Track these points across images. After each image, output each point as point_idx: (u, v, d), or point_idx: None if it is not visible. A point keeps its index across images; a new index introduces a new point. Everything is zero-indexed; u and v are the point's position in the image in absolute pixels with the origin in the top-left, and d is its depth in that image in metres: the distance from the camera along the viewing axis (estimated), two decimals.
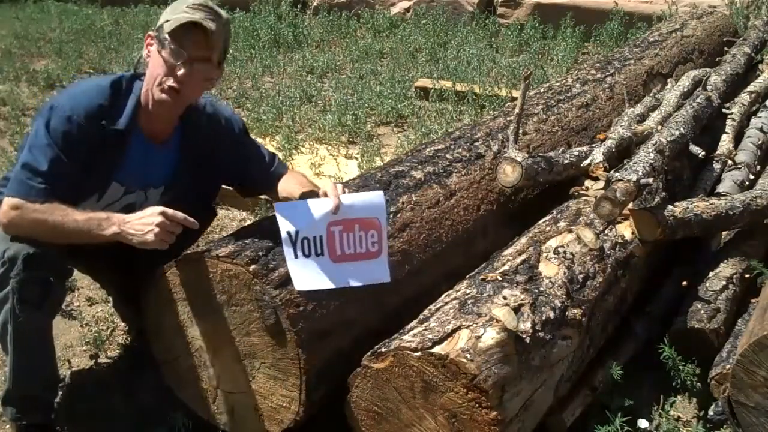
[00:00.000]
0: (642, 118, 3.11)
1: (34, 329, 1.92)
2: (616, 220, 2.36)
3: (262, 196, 2.63)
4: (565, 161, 2.64)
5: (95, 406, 2.26)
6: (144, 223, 1.81)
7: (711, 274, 2.50)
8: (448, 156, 2.59)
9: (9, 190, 1.89)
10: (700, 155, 2.85)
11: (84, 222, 1.84)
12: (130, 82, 1.98)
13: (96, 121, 1.88)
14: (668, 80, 3.78)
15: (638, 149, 2.66)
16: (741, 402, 1.92)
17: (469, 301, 1.87)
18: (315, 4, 7.50)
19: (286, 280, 1.86)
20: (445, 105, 4.77)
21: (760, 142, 3.29)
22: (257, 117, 4.51)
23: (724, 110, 3.40)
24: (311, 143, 4.22)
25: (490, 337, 1.72)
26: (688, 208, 2.48)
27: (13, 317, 1.86)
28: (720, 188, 2.91)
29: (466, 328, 1.74)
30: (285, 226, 1.89)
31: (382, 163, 2.95)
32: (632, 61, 3.83)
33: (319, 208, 1.93)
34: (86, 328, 2.64)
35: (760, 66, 4.23)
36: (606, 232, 2.34)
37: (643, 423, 2.07)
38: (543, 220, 2.44)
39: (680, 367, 2.23)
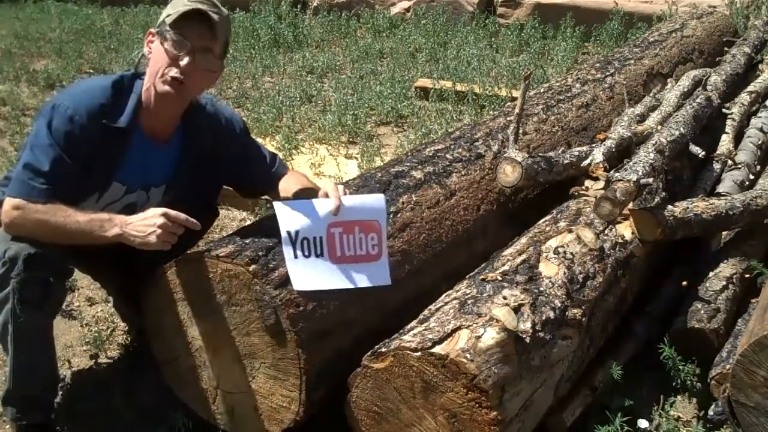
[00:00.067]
0: (642, 118, 3.11)
1: (34, 329, 1.91)
2: (616, 220, 2.36)
3: (263, 197, 2.63)
4: (565, 161, 2.64)
5: (95, 406, 2.26)
6: (146, 224, 1.82)
7: (711, 274, 2.50)
8: (448, 156, 2.59)
9: (10, 191, 1.89)
10: (700, 155, 2.85)
11: (86, 223, 1.84)
12: (130, 82, 1.98)
13: (98, 121, 1.88)
14: (668, 80, 3.78)
15: (638, 149, 2.66)
16: (741, 402, 1.92)
17: (469, 301, 1.87)
18: (315, 4, 7.50)
19: (286, 280, 1.86)
20: (445, 105, 4.77)
21: (760, 142, 3.29)
22: (257, 117, 4.51)
23: (724, 110, 3.39)
24: (311, 143, 4.22)
25: (490, 337, 1.72)
26: (688, 208, 2.48)
27: (13, 317, 1.86)
28: (720, 188, 2.91)
29: (466, 328, 1.74)
30: (285, 226, 1.89)
31: (382, 163, 2.95)
32: (632, 61, 3.83)
33: (319, 208, 1.93)
34: (86, 328, 2.64)
35: (760, 66, 4.23)
36: (606, 232, 2.34)
37: (643, 423, 2.07)
38: (543, 220, 2.44)
39: (680, 367, 2.23)
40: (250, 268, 1.84)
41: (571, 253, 2.16)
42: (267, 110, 4.61)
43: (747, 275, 2.52)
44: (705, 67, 4.00)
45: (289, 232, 1.88)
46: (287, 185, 2.14)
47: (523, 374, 1.77)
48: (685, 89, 3.40)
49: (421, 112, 4.74)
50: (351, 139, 4.32)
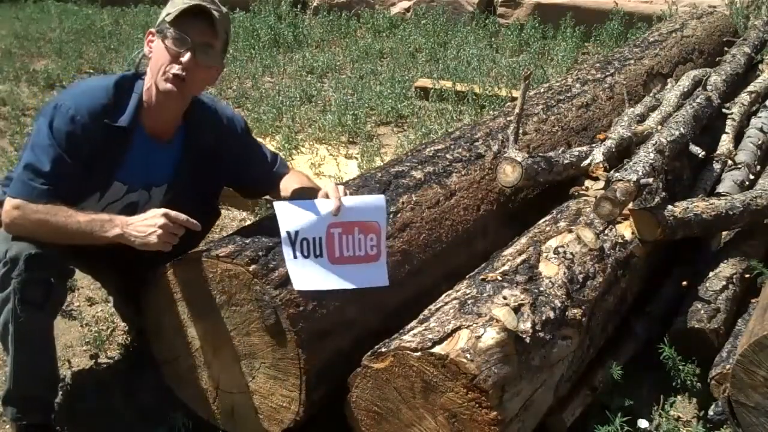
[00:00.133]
0: (642, 118, 3.11)
1: (35, 329, 1.91)
2: (616, 220, 2.36)
3: (264, 197, 2.63)
4: (565, 161, 2.64)
5: (95, 406, 2.26)
6: (147, 224, 1.82)
7: (711, 274, 2.50)
8: (448, 156, 2.59)
9: (11, 191, 1.89)
10: (700, 155, 2.85)
11: (86, 223, 1.84)
12: (131, 81, 1.98)
13: (99, 121, 1.88)
14: (668, 80, 3.78)
15: (638, 149, 2.66)
16: (741, 402, 1.92)
17: (469, 301, 1.87)
18: (315, 4, 7.50)
19: (286, 280, 1.86)
20: (445, 105, 4.77)
21: (760, 142, 3.29)
22: (257, 117, 4.50)
23: (724, 110, 3.40)
24: (311, 143, 4.22)
25: (490, 337, 1.72)
26: (688, 208, 2.48)
27: (14, 317, 1.86)
28: (720, 188, 2.91)
29: (466, 328, 1.74)
30: (285, 226, 1.89)
31: (382, 163, 2.95)
32: (632, 61, 3.83)
33: (319, 208, 1.93)
34: (86, 328, 2.64)
35: (760, 66, 4.23)
36: (606, 232, 2.34)
37: (643, 423, 2.07)
38: (543, 220, 2.44)
39: (680, 367, 2.23)
40: (250, 268, 1.84)
41: (571, 253, 2.16)
42: (267, 110, 4.61)
43: (747, 275, 2.52)
44: (705, 67, 4.00)
45: (288, 232, 1.88)
46: (288, 185, 2.14)
47: (523, 374, 1.77)
48: (685, 89, 3.40)
49: (421, 112, 4.73)
50: (351, 139, 4.32)
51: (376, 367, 1.77)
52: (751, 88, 3.69)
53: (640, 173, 2.36)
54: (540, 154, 2.61)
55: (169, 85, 1.90)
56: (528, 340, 1.80)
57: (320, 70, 5.70)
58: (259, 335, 1.87)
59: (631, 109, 3.20)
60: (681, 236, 2.48)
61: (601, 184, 2.58)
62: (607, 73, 3.62)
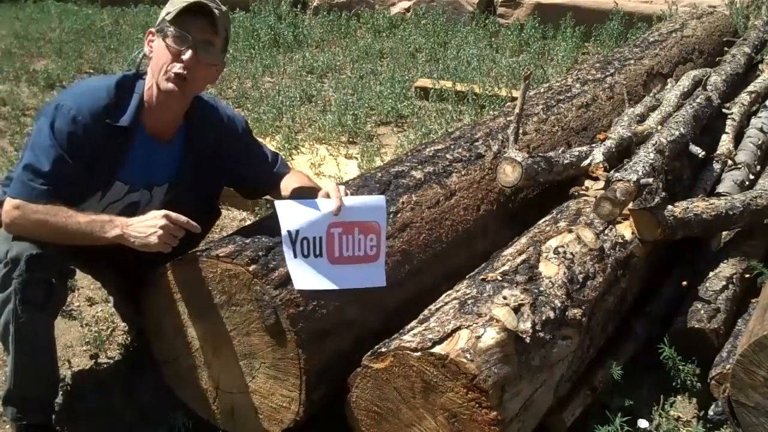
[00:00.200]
0: (642, 118, 3.11)
1: (36, 330, 1.91)
2: (616, 220, 2.36)
3: (264, 197, 2.63)
4: (565, 161, 2.64)
5: (95, 406, 2.26)
6: (147, 225, 1.82)
7: (711, 274, 2.50)
8: (448, 156, 2.59)
9: (11, 191, 1.89)
10: (700, 155, 2.85)
11: (86, 224, 1.85)
12: (132, 81, 1.98)
13: (101, 121, 1.88)
14: (668, 80, 3.78)
15: (638, 149, 2.67)
16: (741, 402, 1.92)
17: (469, 301, 1.87)
18: (315, 4, 7.50)
19: (286, 280, 1.86)
20: (445, 105, 4.77)
21: (760, 142, 3.29)
22: (257, 117, 4.50)
23: (724, 110, 3.40)
24: (311, 143, 4.22)
25: (490, 337, 1.72)
26: (688, 208, 2.48)
27: (15, 318, 1.85)
28: (720, 188, 2.91)
29: (466, 328, 1.74)
30: (285, 225, 1.89)
31: (382, 163, 2.95)
32: (632, 61, 3.83)
33: (320, 208, 1.93)
34: (86, 328, 2.64)
35: (760, 66, 4.23)
36: (606, 232, 2.34)
37: (643, 423, 2.07)
38: (543, 220, 2.44)
39: (680, 367, 2.23)
40: (250, 268, 1.84)
41: (571, 253, 2.16)
42: (267, 110, 4.61)
43: (747, 275, 2.52)
44: (705, 67, 4.00)
45: (289, 232, 1.88)
46: (289, 185, 2.14)
47: (523, 374, 1.77)
48: (685, 89, 3.40)
49: (421, 112, 4.73)
50: (351, 139, 4.32)
51: (376, 367, 1.77)
52: (751, 88, 3.70)
53: (640, 173, 2.36)
54: (540, 154, 2.61)
55: (170, 85, 1.90)
56: (528, 340, 1.80)
57: (320, 70, 5.70)
58: (259, 335, 1.87)
59: (631, 109, 3.20)
60: (681, 236, 2.48)
61: (601, 184, 2.58)
62: (607, 73, 3.62)
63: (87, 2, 8.06)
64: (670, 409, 2.19)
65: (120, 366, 2.45)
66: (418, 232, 2.24)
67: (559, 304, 1.96)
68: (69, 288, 2.69)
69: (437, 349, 1.70)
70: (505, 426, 1.70)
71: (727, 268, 2.51)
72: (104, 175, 1.97)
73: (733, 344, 2.21)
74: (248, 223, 3.21)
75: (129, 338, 2.55)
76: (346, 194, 1.98)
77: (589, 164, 2.64)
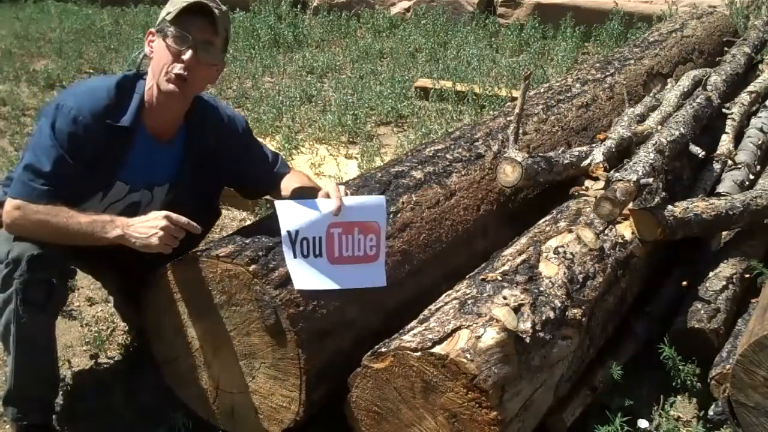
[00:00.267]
0: (642, 118, 3.11)
1: (37, 330, 1.91)
2: (616, 220, 2.36)
3: (264, 197, 2.63)
4: (565, 161, 2.64)
5: (95, 406, 2.26)
6: (148, 226, 1.82)
7: (711, 274, 2.50)
8: (448, 156, 2.59)
9: (12, 191, 1.89)
10: (700, 155, 2.85)
11: (87, 224, 1.85)
12: (133, 82, 1.98)
13: (101, 121, 1.89)
14: (668, 80, 3.78)
15: (638, 149, 2.67)
16: (741, 402, 1.92)
17: (469, 301, 1.87)
18: (315, 4, 7.50)
19: (286, 280, 1.86)
20: (445, 105, 4.77)
21: (760, 142, 3.29)
22: (257, 117, 4.50)
23: (724, 110, 3.40)
24: (311, 143, 4.22)
25: (490, 337, 1.72)
26: (688, 208, 2.48)
27: (16, 318, 1.86)
28: (720, 188, 2.91)
29: (466, 328, 1.74)
30: (285, 225, 1.89)
31: (382, 163, 2.95)
32: (632, 61, 3.83)
33: (320, 208, 1.93)
34: (86, 328, 2.64)
35: (760, 66, 4.23)
36: (606, 232, 2.34)
37: (643, 423, 2.07)
38: (543, 220, 2.44)
39: (680, 367, 2.23)
40: (250, 268, 1.84)
41: (571, 253, 2.16)
42: (267, 110, 4.61)
43: (747, 275, 2.52)
44: (705, 67, 4.00)
45: (289, 232, 1.88)
46: (289, 185, 2.14)
47: (523, 374, 1.77)
48: (685, 89, 3.40)
49: (421, 112, 4.73)
50: (351, 139, 4.32)
51: (376, 367, 1.78)
52: (751, 88, 3.70)
53: (640, 173, 2.36)
54: (540, 154, 2.61)
55: (171, 86, 1.90)
56: (528, 340, 1.80)
57: (320, 70, 5.69)
58: (259, 335, 1.87)
59: (631, 109, 3.20)
60: (681, 236, 2.48)
61: (601, 184, 2.58)
62: (607, 73, 3.62)
63: (87, 2, 8.06)
64: (670, 409, 2.19)
65: (120, 366, 2.45)
66: (418, 232, 2.24)
67: (559, 304, 1.96)
68: (69, 288, 2.70)
69: (437, 349, 1.70)
70: (505, 426, 1.70)
71: (727, 268, 2.51)
72: (105, 175, 1.97)
73: (733, 344, 2.21)
74: (248, 223, 3.21)
75: (129, 338, 2.55)
76: (346, 194, 1.98)
77: (589, 164, 2.64)
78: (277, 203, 1.93)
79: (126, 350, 2.50)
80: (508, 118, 2.90)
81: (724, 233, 2.80)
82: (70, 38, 6.67)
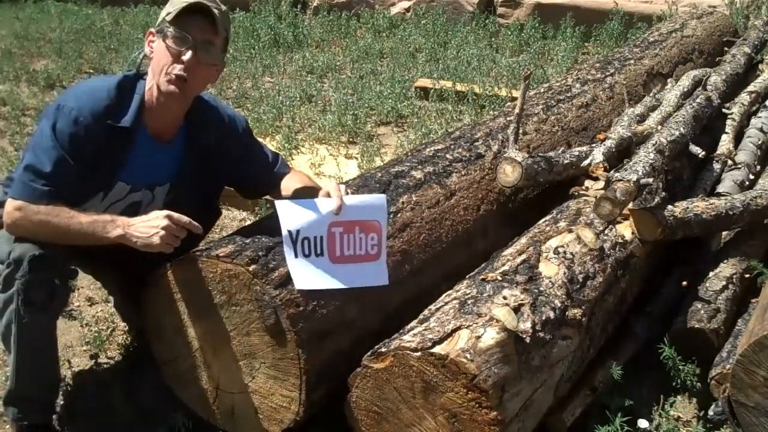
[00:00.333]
0: (642, 118, 3.12)
1: (38, 331, 1.92)
2: (616, 220, 2.36)
3: (265, 197, 2.63)
4: (565, 161, 2.64)
5: (95, 406, 2.26)
6: (150, 226, 1.82)
7: (711, 274, 2.50)
8: (448, 156, 2.59)
9: (12, 192, 1.89)
10: (700, 155, 2.85)
11: (88, 224, 1.85)
12: (133, 82, 1.98)
13: (102, 122, 1.89)
14: (668, 80, 3.78)
15: (638, 149, 2.67)
16: (741, 402, 1.92)
17: (469, 301, 1.87)
18: (315, 4, 7.50)
19: (286, 280, 1.86)
20: (445, 105, 4.77)
21: (760, 142, 3.29)
22: (257, 117, 4.50)
23: (724, 110, 3.40)
24: (311, 143, 4.22)
25: (490, 337, 1.72)
26: (688, 208, 2.48)
27: (17, 319, 1.85)
28: (720, 188, 2.91)
29: (466, 328, 1.74)
30: (286, 225, 1.89)
31: (382, 163, 2.95)
32: (632, 61, 3.84)
33: (321, 208, 1.93)
34: (86, 328, 2.64)
35: (760, 66, 4.23)
36: (606, 232, 2.34)
37: (643, 423, 2.07)
38: (543, 220, 2.44)
39: (680, 367, 2.23)
40: (250, 268, 1.84)
41: (571, 253, 2.16)
42: (267, 110, 4.61)
43: (747, 275, 2.52)
44: (705, 67, 4.00)
45: (290, 231, 1.88)
46: (289, 185, 2.14)
47: (523, 374, 1.77)
48: (685, 89, 3.41)
49: (421, 112, 4.74)
50: (351, 139, 4.32)
51: (376, 367, 1.78)
52: (751, 88, 3.70)
53: (640, 173, 2.36)
54: (540, 154, 2.61)
55: (171, 87, 1.90)
56: (528, 340, 1.80)
57: (320, 70, 5.70)
58: (259, 335, 1.87)
59: (631, 109, 3.20)
60: (681, 236, 2.48)
61: (601, 184, 2.58)
62: (607, 73, 3.62)
63: (87, 2, 8.06)
64: (670, 409, 2.19)
65: (120, 366, 2.45)
66: (418, 232, 2.24)
67: (559, 304, 1.96)
68: (70, 288, 2.70)
69: (437, 349, 1.70)
70: (505, 426, 1.70)
71: (727, 268, 2.51)
72: (106, 175, 1.97)
73: (733, 344, 2.21)
74: (248, 223, 3.21)
75: (129, 338, 2.55)
76: (347, 193, 1.98)
77: (589, 164, 2.65)
78: (278, 203, 1.93)
79: (126, 350, 2.50)
80: (508, 118, 2.90)
81: (724, 233, 2.80)
82: (70, 38, 6.67)
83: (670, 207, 2.46)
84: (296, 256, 1.88)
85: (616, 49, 4.39)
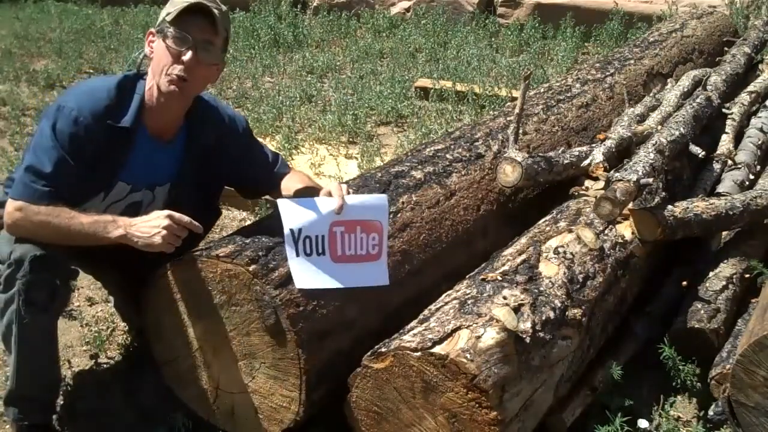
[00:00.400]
0: (642, 118, 3.12)
1: (39, 331, 1.92)
2: (616, 220, 2.36)
3: (265, 197, 2.64)
4: (565, 161, 2.64)
5: (95, 406, 2.26)
6: (151, 226, 1.82)
7: (711, 274, 2.50)
8: (448, 156, 2.59)
9: (13, 192, 1.89)
10: (700, 155, 2.85)
11: (89, 225, 1.85)
12: (133, 82, 1.98)
13: (102, 122, 1.89)
14: (668, 80, 3.78)
15: (638, 149, 2.67)
16: (741, 402, 1.93)
17: (469, 301, 1.87)
18: (315, 4, 7.50)
19: (286, 280, 1.86)
20: (445, 105, 4.77)
21: (760, 142, 3.30)
22: (257, 117, 4.50)
23: (724, 110, 3.40)
24: (311, 143, 4.22)
25: (490, 337, 1.72)
26: (688, 208, 2.48)
27: (18, 319, 1.85)
28: (720, 188, 2.91)
29: (466, 328, 1.74)
30: (288, 224, 1.89)
31: (382, 163, 2.95)
32: (632, 61, 3.84)
33: (323, 207, 1.93)
34: (86, 328, 2.64)
35: (760, 66, 4.24)
36: (606, 232, 2.34)
37: (643, 423, 2.07)
38: (543, 220, 2.44)
39: (680, 367, 2.23)
40: (250, 268, 1.84)
41: (571, 253, 2.16)
42: (267, 110, 4.61)
43: (747, 275, 2.52)
44: (705, 67, 4.00)
45: (292, 230, 1.88)
46: (289, 185, 2.14)
47: (523, 374, 1.77)
48: (685, 89, 3.41)
49: (421, 112, 4.74)
50: (351, 139, 4.32)
51: (376, 367, 1.78)
52: (751, 88, 3.70)
53: (640, 173, 2.36)
54: (540, 154, 2.61)
55: (172, 87, 1.90)
56: (528, 340, 1.80)
57: (320, 70, 5.70)
58: (259, 335, 1.87)
59: (631, 109, 3.20)
60: (681, 236, 2.48)
61: (601, 184, 2.58)
62: (607, 73, 3.62)
63: (87, 2, 8.06)
64: (670, 409, 2.19)
65: (120, 366, 2.45)
66: (418, 232, 2.24)
67: (559, 304, 1.96)
68: (70, 288, 2.70)
69: (437, 349, 1.70)
70: (505, 426, 1.70)
71: (727, 268, 2.51)
72: (106, 175, 1.98)
73: (733, 344, 2.21)
74: (248, 223, 3.21)
75: (129, 338, 2.55)
76: (348, 193, 1.98)
77: (589, 164, 2.65)
78: (280, 201, 1.93)
79: (126, 350, 2.50)
80: (508, 118, 2.90)
81: (724, 233, 2.80)
82: (70, 38, 6.67)
83: (670, 207, 2.46)
84: (297, 254, 1.88)
85: (616, 49, 4.40)
